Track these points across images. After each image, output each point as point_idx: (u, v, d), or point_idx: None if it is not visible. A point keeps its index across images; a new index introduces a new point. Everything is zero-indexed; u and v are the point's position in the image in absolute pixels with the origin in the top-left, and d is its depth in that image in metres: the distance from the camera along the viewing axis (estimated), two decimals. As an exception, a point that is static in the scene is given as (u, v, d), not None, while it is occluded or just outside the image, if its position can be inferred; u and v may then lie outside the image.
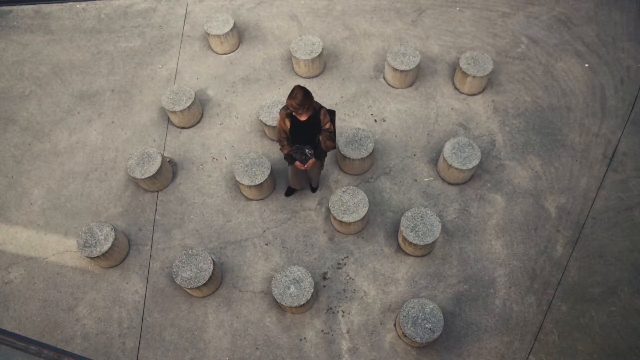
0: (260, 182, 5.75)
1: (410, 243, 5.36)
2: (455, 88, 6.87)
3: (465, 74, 6.54)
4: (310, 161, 5.05)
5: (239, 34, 7.48)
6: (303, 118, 4.64)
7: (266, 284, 5.58)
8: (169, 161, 6.39)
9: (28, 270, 5.79)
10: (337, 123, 6.49)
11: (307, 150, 4.99)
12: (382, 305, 5.42)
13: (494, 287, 5.47)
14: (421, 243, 5.30)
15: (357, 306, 5.42)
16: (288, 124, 4.81)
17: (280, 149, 5.10)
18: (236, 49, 7.42)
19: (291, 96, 4.45)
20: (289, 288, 5.09)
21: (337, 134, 6.18)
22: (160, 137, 6.67)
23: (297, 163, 5.09)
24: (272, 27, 7.64)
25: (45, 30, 7.81)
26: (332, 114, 5.06)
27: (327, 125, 4.88)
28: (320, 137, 4.93)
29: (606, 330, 5.20)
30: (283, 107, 4.82)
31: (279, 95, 6.38)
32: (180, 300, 5.53)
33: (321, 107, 4.80)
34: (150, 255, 5.82)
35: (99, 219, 6.04)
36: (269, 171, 5.81)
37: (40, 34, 7.76)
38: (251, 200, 6.12)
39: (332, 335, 5.28)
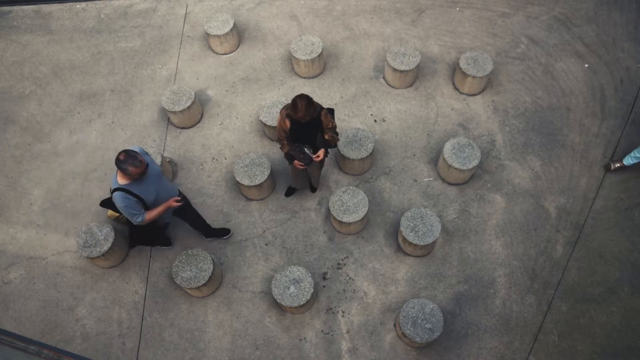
0: (260, 182, 5.76)
1: (410, 243, 5.36)
2: (455, 88, 6.87)
3: (465, 74, 6.54)
4: (320, 153, 4.99)
5: (239, 34, 7.48)
6: (304, 120, 4.65)
7: (266, 284, 5.58)
8: (169, 161, 6.39)
9: (28, 270, 5.79)
10: (337, 123, 6.49)
11: (306, 149, 5.00)
12: (382, 305, 5.42)
13: (494, 287, 5.47)
14: (421, 243, 5.30)
15: (357, 306, 5.42)
16: (288, 123, 4.82)
17: (280, 148, 5.11)
18: (236, 49, 7.42)
19: (295, 109, 4.43)
20: (289, 288, 5.09)
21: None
22: (160, 137, 6.67)
23: (296, 162, 5.09)
24: (272, 27, 7.64)
25: (45, 30, 7.80)
26: (331, 112, 5.08)
27: (331, 125, 4.90)
28: (326, 135, 4.96)
29: (606, 330, 5.20)
30: (284, 107, 4.82)
31: (279, 96, 6.38)
32: (180, 300, 5.53)
33: (322, 108, 4.81)
34: (150, 255, 5.82)
35: (99, 219, 6.04)
36: (268, 171, 5.81)
37: (40, 34, 7.75)
38: (251, 200, 6.12)
39: (332, 335, 5.28)
